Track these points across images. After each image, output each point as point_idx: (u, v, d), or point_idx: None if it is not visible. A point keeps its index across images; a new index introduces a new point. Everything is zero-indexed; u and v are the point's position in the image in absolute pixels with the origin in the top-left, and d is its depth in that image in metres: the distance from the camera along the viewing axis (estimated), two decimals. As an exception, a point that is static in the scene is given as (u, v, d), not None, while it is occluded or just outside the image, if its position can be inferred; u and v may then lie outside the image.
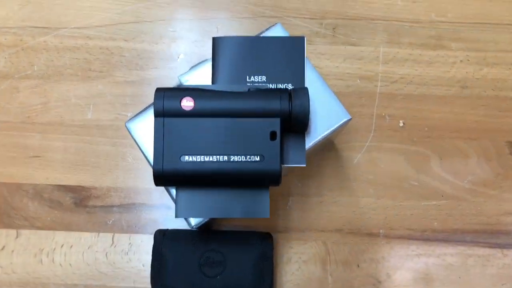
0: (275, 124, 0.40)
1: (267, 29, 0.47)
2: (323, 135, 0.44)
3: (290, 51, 0.45)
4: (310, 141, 0.44)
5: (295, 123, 0.40)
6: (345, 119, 0.45)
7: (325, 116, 0.44)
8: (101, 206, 0.54)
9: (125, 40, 0.58)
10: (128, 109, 0.56)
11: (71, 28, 0.59)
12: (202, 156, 0.40)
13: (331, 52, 0.57)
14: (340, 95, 0.53)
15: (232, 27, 0.58)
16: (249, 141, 0.40)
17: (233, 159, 0.40)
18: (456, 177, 0.54)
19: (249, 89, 0.42)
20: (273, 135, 0.40)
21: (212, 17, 0.59)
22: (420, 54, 0.57)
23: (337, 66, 0.57)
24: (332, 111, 0.45)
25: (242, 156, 0.40)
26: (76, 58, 0.58)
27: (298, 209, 0.53)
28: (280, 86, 0.44)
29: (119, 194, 0.54)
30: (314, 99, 0.45)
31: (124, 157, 0.55)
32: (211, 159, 0.40)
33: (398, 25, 0.58)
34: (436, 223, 0.53)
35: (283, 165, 0.42)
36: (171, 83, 0.57)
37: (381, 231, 0.53)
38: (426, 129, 0.55)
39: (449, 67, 0.57)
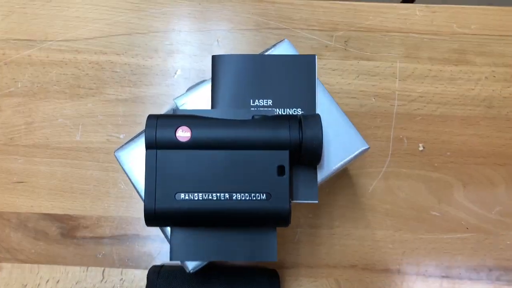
0: (283, 157, 0.35)
1: (273, 46, 0.42)
2: (336, 167, 0.39)
3: (299, 71, 0.40)
4: (323, 175, 0.39)
5: (306, 155, 0.35)
6: (362, 149, 0.40)
7: (339, 145, 0.39)
8: (91, 238, 0.49)
9: (117, 54, 0.53)
10: (120, 130, 0.51)
11: (58, 40, 0.54)
12: (201, 194, 0.35)
13: (343, 67, 0.52)
14: (353, 115, 0.49)
15: (234, 40, 0.53)
16: (253, 176, 0.35)
17: (236, 197, 0.35)
18: (483, 207, 0.49)
19: (253, 116, 0.37)
20: (281, 170, 0.35)
21: (212, 28, 0.54)
22: (440, 70, 0.52)
23: (350, 83, 0.52)
24: (347, 139, 0.40)
25: (246, 194, 0.35)
26: (64, 74, 0.53)
27: (307, 242, 0.48)
28: (288, 111, 0.39)
29: (110, 224, 0.49)
30: (326, 126, 0.40)
31: (115, 184, 0.50)
32: (210, 197, 0.35)
33: (417, 38, 0.53)
34: (460, 259, 0.48)
35: (292, 202, 0.37)
36: (168, 102, 0.53)
37: (399, 267, 0.48)
38: (448, 153, 0.50)
39: (473, 85, 0.52)
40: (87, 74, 0.53)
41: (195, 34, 0.54)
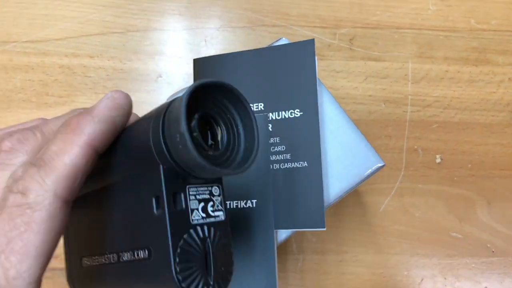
0: (155, 180, 0.21)
1: (269, 46, 0.36)
2: (347, 188, 0.33)
3: (295, 64, 0.34)
4: (332, 198, 0.33)
5: (188, 167, 0.20)
6: (376, 166, 0.34)
7: (349, 162, 0.33)
8: (61, 269, 0.42)
9: (90, 57, 0.46)
10: (94, 144, 0.45)
11: (23, 42, 0.47)
12: (97, 257, 0.25)
13: (349, 69, 0.46)
14: (361, 124, 0.42)
15: (224, 39, 0.47)
16: (132, 223, 0.23)
17: (123, 257, 0.23)
18: (510, 227, 0.43)
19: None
20: (158, 202, 0.21)
21: (200, 26, 0.47)
22: (458, 71, 0.46)
23: (356, 87, 0.46)
24: (359, 155, 0.34)
25: (129, 253, 0.23)
26: (30, 80, 0.46)
27: (312, 271, 0.42)
28: (283, 114, 0.33)
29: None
30: (333, 139, 0.33)
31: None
32: (104, 260, 0.25)
33: (431, 35, 0.47)
34: (486, 286, 0.42)
35: (295, 230, 0.30)
36: (148, 110, 0.46)
37: (416, 297, 0.42)
38: (469, 165, 0.44)
39: (496, 87, 0.46)
40: (56, 79, 0.46)
41: (179, 33, 0.47)
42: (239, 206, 0.31)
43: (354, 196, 0.44)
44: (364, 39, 0.47)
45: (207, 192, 0.22)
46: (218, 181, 0.22)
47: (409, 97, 0.46)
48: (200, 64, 0.35)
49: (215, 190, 0.22)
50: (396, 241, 0.43)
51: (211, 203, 0.22)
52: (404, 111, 0.45)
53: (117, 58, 0.47)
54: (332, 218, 0.43)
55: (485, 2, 0.48)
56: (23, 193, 0.20)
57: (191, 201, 0.21)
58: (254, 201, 0.31)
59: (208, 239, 0.21)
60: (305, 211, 0.31)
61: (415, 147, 0.45)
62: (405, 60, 0.46)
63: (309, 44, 0.33)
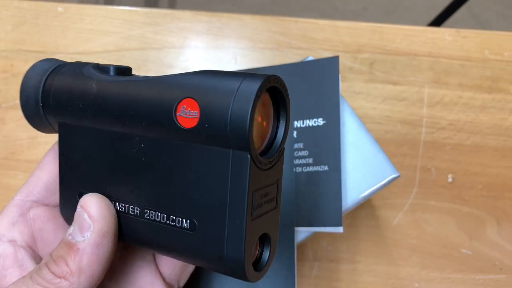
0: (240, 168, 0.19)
1: (298, 62, 0.39)
2: (363, 195, 0.36)
3: (321, 77, 0.37)
4: (349, 204, 0.35)
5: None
6: (392, 176, 0.36)
7: (367, 171, 0.36)
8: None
9: (130, 69, 0.50)
10: (128, 149, 0.48)
11: (69, 53, 0.51)
12: (121, 204, 0.23)
13: (368, 91, 0.49)
14: (378, 142, 0.45)
15: (254, 58, 0.51)
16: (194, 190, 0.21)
17: (149, 215, 0.22)
18: (518, 247, 0.45)
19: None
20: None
21: (231, 46, 0.51)
22: (471, 98, 0.49)
23: (375, 108, 0.49)
24: (376, 165, 0.36)
25: (163, 215, 0.22)
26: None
27: (326, 278, 0.44)
28: (308, 122, 0.36)
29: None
30: (353, 150, 0.36)
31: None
32: (118, 207, 0.23)
33: (446, 63, 0.50)
34: (493, 303, 0.44)
35: (313, 231, 0.33)
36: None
37: (426, 309, 0.43)
38: (480, 186, 0.47)
39: (507, 114, 0.49)
40: (97, 88, 0.50)
41: (212, 51, 0.51)
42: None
43: (369, 209, 0.46)
44: (384, 64, 0.50)
45: None
46: None
47: (424, 119, 0.48)
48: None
49: None
50: (407, 253, 0.45)
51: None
52: (419, 132, 0.48)
53: (154, 71, 0.51)
54: (347, 229, 0.45)
55: (498, 35, 0.51)
56: None
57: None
58: (277, 200, 0.34)
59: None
60: (325, 211, 0.33)
61: (429, 166, 0.47)
62: (422, 85, 0.49)
63: (334, 60, 0.36)
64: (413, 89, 0.49)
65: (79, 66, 0.24)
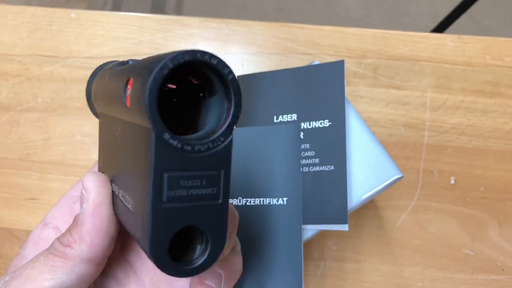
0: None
1: (304, 66, 0.41)
2: (367, 195, 0.37)
3: (326, 81, 0.38)
4: (353, 203, 0.36)
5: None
6: (395, 177, 0.37)
7: (371, 172, 0.37)
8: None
9: (140, 73, 0.52)
10: (138, 151, 0.50)
11: (82, 57, 0.53)
12: None
13: (372, 95, 0.51)
14: (382, 145, 0.46)
15: (261, 64, 0.52)
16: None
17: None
18: (519, 247, 0.46)
19: None
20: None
21: (238, 52, 0.53)
22: (473, 102, 0.50)
23: (378, 112, 0.50)
24: (379, 166, 0.37)
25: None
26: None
27: (331, 277, 0.45)
28: (314, 124, 0.37)
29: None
30: (357, 151, 0.37)
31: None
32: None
33: (448, 68, 0.51)
34: (495, 302, 0.45)
35: (319, 229, 0.34)
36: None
37: (429, 308, 0.44)
38: (482, 188, 0.48)
39: (508, 118, 0.50)
40: (108, 92, 0.52)
41: (220, 56, 0.53)
42: (271, 203, 0.35)
43: (373, 210, 0.47)
44: (387, 69, 0.52)
45: None
46: None
47: (427, 123, 0.50)
48: (241, 80, 0.40)
49: None
50: (411, 254, 0.46)
51: None
52: (422, 136, 0.49)
53: (164, 76, 0.52)
54: (352, 229, 0.47)
55: (499, 41, 0.52)
56: None
57: None
58: (285, 199, 0.35)
59: None
60: (330, 209, 0.35)
61: (431, 168, 0.48)
62: (424, 90, 0.51)
63: (340, 64, 0.38)
64: (416, 94, 0.51)
65: (114, 63, 0.26)
